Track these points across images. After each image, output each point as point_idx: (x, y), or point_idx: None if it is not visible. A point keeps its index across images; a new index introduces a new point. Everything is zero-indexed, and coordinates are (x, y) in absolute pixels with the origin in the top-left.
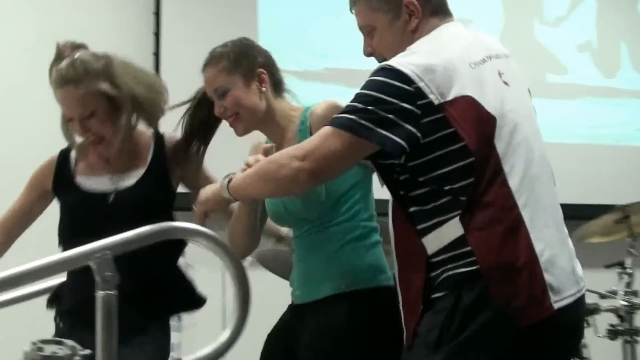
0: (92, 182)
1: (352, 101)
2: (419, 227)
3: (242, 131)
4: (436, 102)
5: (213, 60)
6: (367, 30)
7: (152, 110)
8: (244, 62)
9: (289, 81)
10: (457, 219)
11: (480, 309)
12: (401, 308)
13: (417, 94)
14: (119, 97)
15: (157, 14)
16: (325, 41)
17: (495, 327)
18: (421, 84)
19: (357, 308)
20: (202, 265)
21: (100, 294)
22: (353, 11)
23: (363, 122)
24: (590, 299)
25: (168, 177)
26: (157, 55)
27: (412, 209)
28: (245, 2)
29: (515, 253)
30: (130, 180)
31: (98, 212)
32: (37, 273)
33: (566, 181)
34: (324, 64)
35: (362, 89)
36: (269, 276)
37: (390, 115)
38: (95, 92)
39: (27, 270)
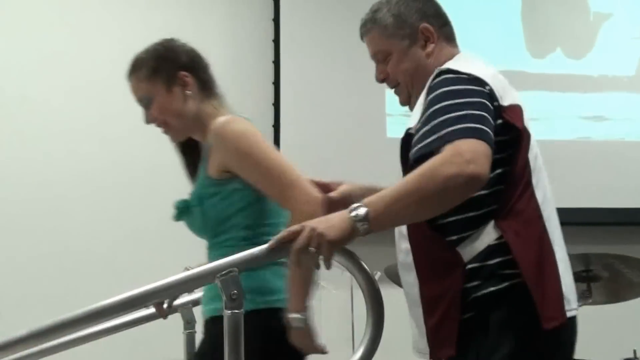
0: None
1: (446, 113)
2: (454, 237)
3: (175, 139)
4: (499, 102)
5: (133, 69)
6: (383, 57)
7: None
8: (164, 67)
9: None
10: (492, 224)
11: (510, 327)
12: (429, 324)
13: (491, 95)
14: None
15: (276, 20)
16: None
17: (527, 336)
18: (491, 84)
19: (219, 332)
20: (330, 283)
21: (227, 313)
22: (364, 39)
23: (475, 125)
24: None
25: None
26: (276, 63)
27: (445, 220)
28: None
29: (544, 259)
30: None
31: None
32: (161, 292)
33: None
34: None
35: (440, 102)
36: (399, 292)
37: (482, 113)
38: None
39: (152, 290)
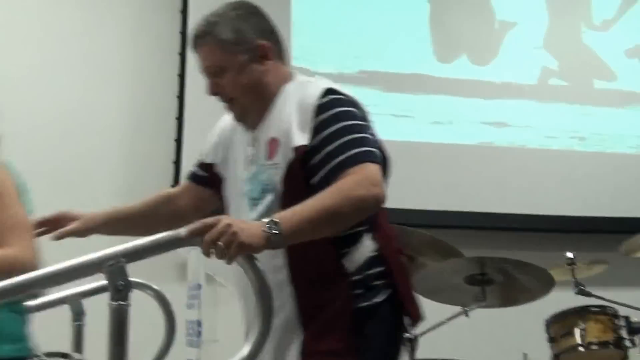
0: None
1: (349, 133)
2: (343, 250)
3: None
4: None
5: None
6: (216, 71)
7: None
8: None
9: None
10: (369, 237)
11: (385, 325)
12: (310, 331)
13: (366, 117)
14: None
15: (184, 12)
16: (360, 43)
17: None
18: (363, 106)
19: None
20: (224, 278)
21: (112, 304)
22: (197, 50)
23: (373, 149)
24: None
25: None
26: (182, 55)
27: (340, 235)
28: (278, 2)
29: (406, 269)
30: None
31: None
32: (44, 281)
33: (614, 193)
34: (358, 66)
35: (340, 121)
36: None
37: (376, 138)
38: None
39: (33, 278)
